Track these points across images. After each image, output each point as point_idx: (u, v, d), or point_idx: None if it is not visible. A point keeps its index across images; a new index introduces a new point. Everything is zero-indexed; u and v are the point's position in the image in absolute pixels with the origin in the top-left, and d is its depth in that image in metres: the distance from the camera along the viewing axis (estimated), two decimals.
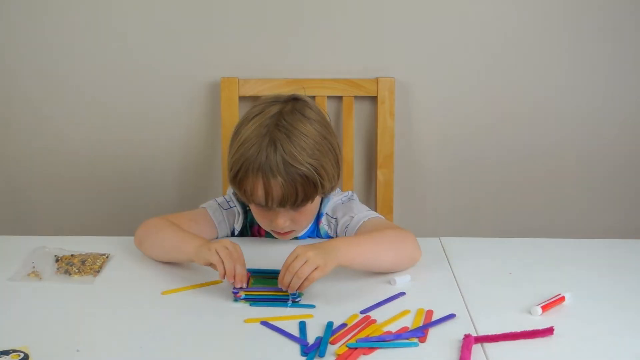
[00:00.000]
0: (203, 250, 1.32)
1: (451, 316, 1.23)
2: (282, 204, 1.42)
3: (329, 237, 1.56)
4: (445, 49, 1.93)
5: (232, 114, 1.90)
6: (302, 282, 1.24)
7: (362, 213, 1.54)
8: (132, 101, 1.97)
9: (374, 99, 1.93)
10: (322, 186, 1.44)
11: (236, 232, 1.59)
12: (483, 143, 2.00)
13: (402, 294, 1.31)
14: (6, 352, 1.10)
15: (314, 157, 1.42)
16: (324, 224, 1.57)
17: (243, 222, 1.59)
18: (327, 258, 1.27)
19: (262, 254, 1.47)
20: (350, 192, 1.63)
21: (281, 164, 1.39)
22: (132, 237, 1.51)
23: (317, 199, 1.50)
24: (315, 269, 1.24)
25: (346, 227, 1.52)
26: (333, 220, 1.56)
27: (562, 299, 1.27)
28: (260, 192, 1.41)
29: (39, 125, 1.99)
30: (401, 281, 1.35)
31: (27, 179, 2.02)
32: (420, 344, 1.15)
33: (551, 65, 1.95)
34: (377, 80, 1.91)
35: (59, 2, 1.90)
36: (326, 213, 1.57)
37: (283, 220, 1.45)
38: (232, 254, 1.30)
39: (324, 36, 1.92)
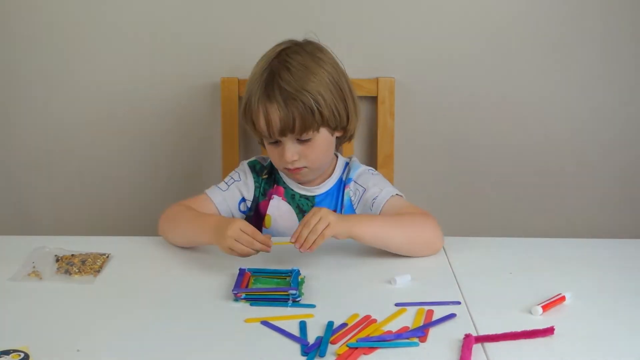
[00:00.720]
0: (219, 240, 1.38)
1: (451, 316, 1.23)
2: (283, 132, 1.51)
3: (351, 204, 1.62)
4: (446, 49, 1.93)
5: (232, 114, 1.90)
6: (316, 239, 1.33)
7: (390, 188, 1.60)
8: (132, 101, 1.97)
9: (374, 99, 1.93)
10: (321, 114, 1.52)
11: (248, 204, 1.66)
12: (483, 143, 2.00)
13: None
14: (6, 352, 1.10)
15: (311, 86, 1.52)
16: (350, 189, 1.62)
17: (255, 192, 1.67)
18: (340, 221, 1.38)
19: (262, 254, 1.46)
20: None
21: (277, 90, 1.50)
22: (132, 237, 1.51)
23: (328, 137, 1.57)
24: (327, 225, 1.34)
25: (374, 199, 1.57)
26: (360, 189, 1.61)
27: (563, 298, 1.27)
28: (262, 122, 1.52)
29: (38, 125, 1.98)
30: (401, 281, 1.34)
31: (27, 178, 2.02)
32: (421, 343, 1.15)
33: (551, 65, 1.95)
34: (377, 80, 1.91)
35: (59, 1, 1.90)
36: (354, 180, 1.62)
37: (290, 153, 1.53)
38: (244, 236, 1.36)
39: (324, 36, 1.90)
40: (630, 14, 1.91)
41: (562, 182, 2.03)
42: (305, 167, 1.57)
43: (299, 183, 1.64)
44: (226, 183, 1.66)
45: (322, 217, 1.35)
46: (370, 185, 1.60)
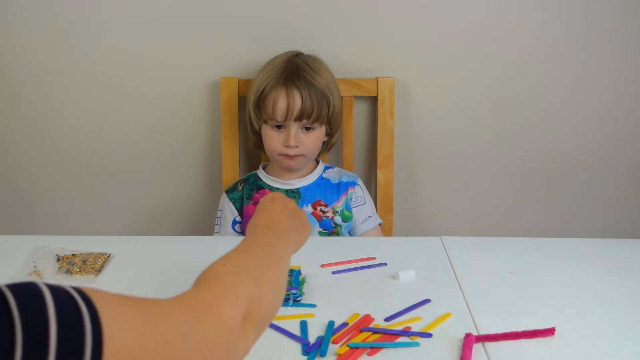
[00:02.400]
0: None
1: (426, 301, 1.27)
2: (299, 116, 1.69)
3: (350, 205, 1.78)
4: (445, 49, 1.93)
5: (232, 114, 1.90)
6: None
7: (376, 216, 1.81)
8: (132, 101, 1.97)
9: (374, 99, 1.93)
10: (332, 111, 1.73)
11: (238, 219, 1.79)
12: (483, 143, 2.00)
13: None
14: None
15: (327, 81, 1.74)
16: (355, 192, 1.79)
17: (236, 204, 1.80)
18: None
19: None
20: None
21: (302, 80, 1.70)
22: (133, 237, 1.51)
23: (322, 134, 1.76)
24: None
25: (365, 220, 1.78)
26: (361, 200, 1.79)
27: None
28: (281, 104, 1.69)
29: (39, 125, 1.99)
30: (405, 276, 1.35)
31: (27, 178, 2.02)
32: (421, 343, 1.15)
33: (551, 65, 1.95)
34: (377, 80, 1.91)
35: (58, 1, 1.90)
36: (358, 184, 1.81)
37: (294, 137, 1.70)
38: None
39: (324, 36, 1.92)
40: (632, 16, 1.91)
41: (561, 182, 2.03)
42: (302, 155, 1.73)
43: (290, 170, 1.77)
44: (218, 222, 1.82)
45: None
46: (367, 202, 1.81)
